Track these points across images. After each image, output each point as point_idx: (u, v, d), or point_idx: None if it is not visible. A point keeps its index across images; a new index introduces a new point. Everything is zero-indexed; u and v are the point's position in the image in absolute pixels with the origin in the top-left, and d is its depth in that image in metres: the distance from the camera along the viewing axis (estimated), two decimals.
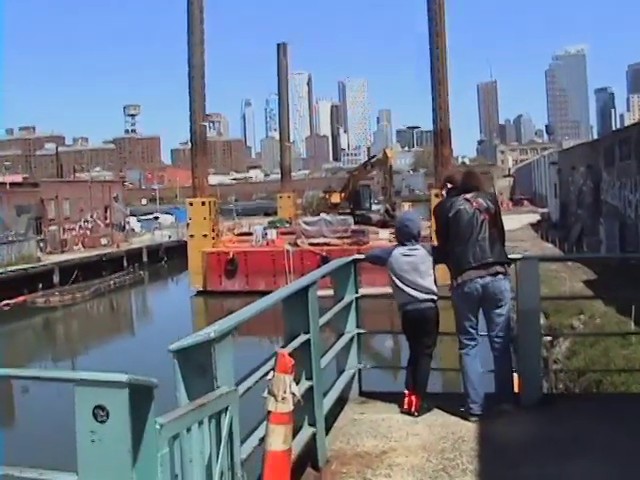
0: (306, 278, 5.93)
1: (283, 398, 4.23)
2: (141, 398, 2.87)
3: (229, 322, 4.04)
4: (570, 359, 17.16)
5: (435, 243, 7.35)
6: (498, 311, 6.75)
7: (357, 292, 7.72)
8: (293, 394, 4.32)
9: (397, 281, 6.96)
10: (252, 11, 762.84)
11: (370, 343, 16.84)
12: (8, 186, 58.49)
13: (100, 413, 2.75)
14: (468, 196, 6.85)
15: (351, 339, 7.55)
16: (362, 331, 7.83)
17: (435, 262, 7.07)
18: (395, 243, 7.26)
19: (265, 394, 4.32)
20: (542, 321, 16.96)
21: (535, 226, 52.58)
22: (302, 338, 5.47)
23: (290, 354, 4.69)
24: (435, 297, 6.95)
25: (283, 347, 5.14)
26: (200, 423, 3.43)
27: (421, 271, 6.90)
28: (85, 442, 2.79)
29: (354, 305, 7.64)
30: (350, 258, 7.69)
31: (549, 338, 18.44)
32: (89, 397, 2.77)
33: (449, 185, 7.22)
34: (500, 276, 6.69)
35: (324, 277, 6.77)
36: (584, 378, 15.14)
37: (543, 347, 16.91)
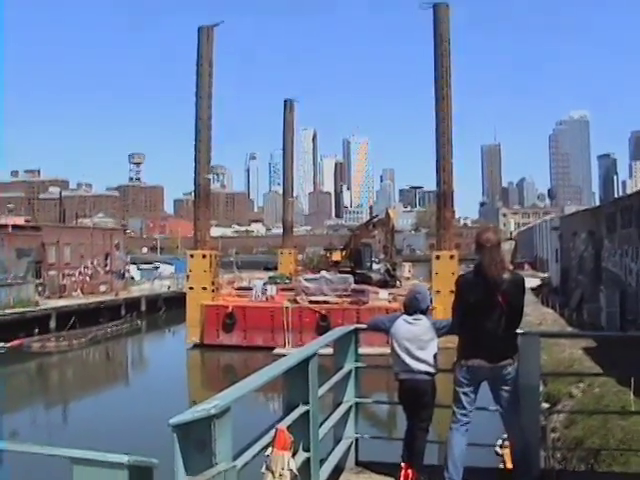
0: (307, 349, 5.86)
1: (281, 475, 4.19)
2: (141, 478, 2.84)
3: (229, 397, 3.98)
4: (568, 428, 17.01)
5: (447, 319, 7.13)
6: (505, 388, 6.52)
7: (357, 360, 7.65)
8: (291, 470, 4.28)
9: (396, 348, 6.89)
10: (260, 66, 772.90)
11: (368, 407, 16.69)
12: (10, 228, 58.60)
13: None
14: (496, 287, 6.27)
15: (349, 407, 7.47)
16: (361, 400, 7.76)
17: (448, 332, 6.92)
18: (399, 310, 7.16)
19: (263, 470, 4.28)
20: (540, 388, 16.88)
21: (535, 290, 52.56)
22: (301, 409, 5.41)
23: (288, 426, 4.65)
24: (432, 370, 6.83)
25: (282, 418, 5.11)
26: None
27: (422, 341, 6.80)
28: None
29: (353, 374, 7.56)
30: (351, 327, 7.62)
31: (547, 405, 18.32)
32: (88, 476, 2.73)
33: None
34: (508, 362, 6.46)
35: (326, 346, 6.71)
36: (582, 449, 14.98)
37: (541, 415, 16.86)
